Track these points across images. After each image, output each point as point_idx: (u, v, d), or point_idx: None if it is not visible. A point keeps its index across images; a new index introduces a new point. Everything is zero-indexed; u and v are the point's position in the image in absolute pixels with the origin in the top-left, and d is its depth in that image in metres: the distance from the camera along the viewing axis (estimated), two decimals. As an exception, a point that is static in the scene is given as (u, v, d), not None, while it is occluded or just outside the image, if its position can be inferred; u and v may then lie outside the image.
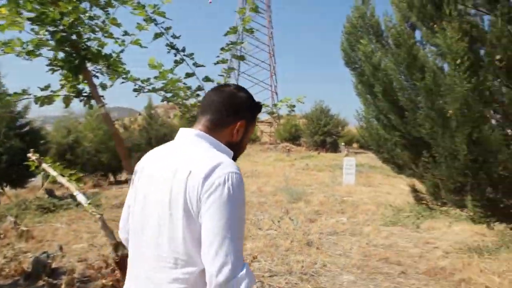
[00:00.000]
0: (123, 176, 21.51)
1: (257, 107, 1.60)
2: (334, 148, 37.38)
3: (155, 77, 2.76)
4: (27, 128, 11.59)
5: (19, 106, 12.28)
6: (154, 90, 2.83)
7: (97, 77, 2.34)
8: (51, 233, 7.47)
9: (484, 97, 2.36)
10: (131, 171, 2.45)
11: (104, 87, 2.42)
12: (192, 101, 3.01)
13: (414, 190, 3.50)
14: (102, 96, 2.35)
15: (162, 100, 2.91)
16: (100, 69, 2.35)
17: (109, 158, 16.22)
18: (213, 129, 1.47)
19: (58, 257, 5.67)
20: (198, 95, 2.98)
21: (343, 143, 37.89)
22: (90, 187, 16.64)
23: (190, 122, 2.91)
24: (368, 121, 3.26)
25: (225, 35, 2.76)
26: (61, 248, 5.97)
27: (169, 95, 2.79)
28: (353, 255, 6.13)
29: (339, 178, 14.77)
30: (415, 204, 3.43)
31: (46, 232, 7.46)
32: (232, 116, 1.49)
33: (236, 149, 1.54)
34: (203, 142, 1.43)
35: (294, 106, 3.00)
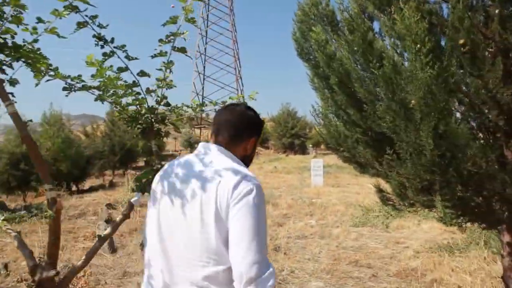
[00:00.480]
0: (86, 185, 20.74)
1: (262, 123, 1.79)
2: (303, 150, 37.41)
3: (93, 76, 2.42)
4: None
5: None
6: (86, 88, 2.48)
7: (3, 70, 1.98)
8: (-2, 251, 6.92)
9: (448, 85, 2.14)
10: (48, 181, 2.09)
11: (13, 83, 2.06)
12: (129, 100, 2.68)
13: (380, 191, 3.26)
14: (11, 93, 1.99)
15: (96, 99, 2.56)
16: (7, 61, 1.99)
17: (69, 166, 15.53)
18: (229, 144, 1.66)
19: (1, 276, 5.19)
20: (138, 93, 2.66)
21: (311, 145, 38.00)
22: (50, 199, 15.93)
23: (126, 122, 2.59)
24: (326, 116, 3.01)
25: (164, 25, 2.44)
26: (6, 266, 5.48)
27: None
28: (322, 259, 5.89)
29: (307, 179, 14.62)
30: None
31: (-7, 251, 6.88)
32: (245, 134, 1.69)
33: (247, 162, 1.73)
34: (224, 156, 1.61)
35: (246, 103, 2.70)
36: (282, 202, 10.18)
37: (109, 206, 10.02)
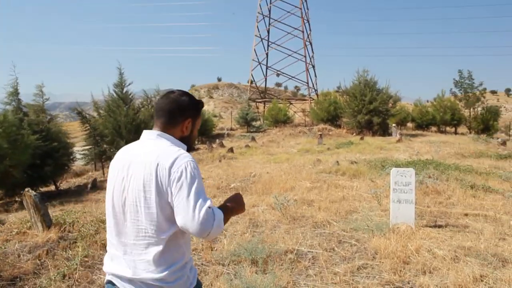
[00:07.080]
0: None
1: (199, 104, 2.12)
2: (383, 130, 29.84)
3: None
4: None
5: None
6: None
7: None
8: None
9: None
10: None
11: None
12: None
13: None
14: None
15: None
16: None
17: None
18: (167, 128, 2.02)
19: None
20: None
21: (394, 124, 30.40)
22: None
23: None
24: None
25: None
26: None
27: None
28: None
29: (385, 199, 8.00)
30: None
31: None
32: (180, 117, 2.03)
33: (187, 141, 2.09)
34: (164, 140, 1.98)
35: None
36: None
37: None
